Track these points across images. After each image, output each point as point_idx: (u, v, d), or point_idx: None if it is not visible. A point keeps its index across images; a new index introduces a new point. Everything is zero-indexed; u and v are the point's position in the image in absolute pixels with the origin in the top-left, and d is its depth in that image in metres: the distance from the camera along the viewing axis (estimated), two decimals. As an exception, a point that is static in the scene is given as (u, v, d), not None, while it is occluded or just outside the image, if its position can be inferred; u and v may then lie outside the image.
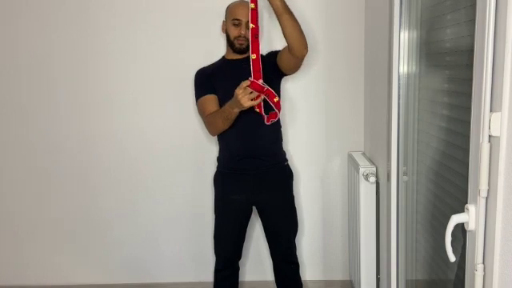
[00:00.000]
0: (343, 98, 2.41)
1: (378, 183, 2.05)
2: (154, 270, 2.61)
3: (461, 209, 1.05)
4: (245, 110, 1.82)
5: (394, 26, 1.61)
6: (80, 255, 2.60)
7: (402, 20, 1.61)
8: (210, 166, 2.18)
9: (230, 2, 2.00)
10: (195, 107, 2.08)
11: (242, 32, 1.91)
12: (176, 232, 2.56)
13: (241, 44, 1.94)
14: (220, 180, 2.08)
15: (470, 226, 1.02)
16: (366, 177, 2.02)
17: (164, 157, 2.48)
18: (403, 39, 1.62)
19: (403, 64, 1.64)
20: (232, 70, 1.97)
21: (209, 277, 2.25)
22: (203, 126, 2.13)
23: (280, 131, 2.09)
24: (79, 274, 2.62)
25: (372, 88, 2.21)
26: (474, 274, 1.01)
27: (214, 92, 1.96)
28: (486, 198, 0.98)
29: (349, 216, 2.42)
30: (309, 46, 1.81)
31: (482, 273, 1.00)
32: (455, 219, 1.03)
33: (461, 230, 1.09)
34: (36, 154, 2.49)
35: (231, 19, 1.92)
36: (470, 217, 1.01)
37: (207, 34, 2.31)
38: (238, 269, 2.16)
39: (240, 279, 2.20)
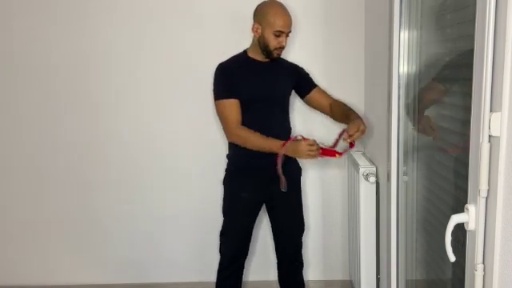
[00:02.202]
0: (343, 98, 2.40)
1: (378, 183, 2.05)
2: (154, 269, 2.61)
3: (461, 209, 1.05)
4: (261, 109, 1.88)
5: (394, 26, 1.61)
6: (80, 255, 2.60)
7: (402, 20, 1.61)
8: (213, 167, 2.16)
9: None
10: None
11: (284, 44, 1.89)
12: (176, 232, 2.56)
13: (278, 54, 1.93)
14: (232, 178, 2.04)
15: (470, 226, 1.01)
16: (366, 177, 2.02)
17: (165, 157, 2.48)
18: (403, 39, 1.62)
19: (403, 64, 1.64)
20: (257, 70, 1.95)
21: (209, 277, 2.25)
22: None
23: (291, 131, 2.09)
24: (79, 273, 2.62)
25: (372, 88, 2.21)
26: (473, 274, 1.01)
27: (238, 93, 1.91)
28: (486, 198, 0.98)
29: (349, 216, 2.42)
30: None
31: (482, 273, 1.00)
32: (455, 219, 1.03)
33: (461, 229, 1.08)
34: (36, 154, 2.49)
35: (273, 30, 1.84)
36: (469, 217, 1.01)
37: (214, 33, 2.31)
38: (243, 266, 2.13)
39: (243, 279, 2.19)
